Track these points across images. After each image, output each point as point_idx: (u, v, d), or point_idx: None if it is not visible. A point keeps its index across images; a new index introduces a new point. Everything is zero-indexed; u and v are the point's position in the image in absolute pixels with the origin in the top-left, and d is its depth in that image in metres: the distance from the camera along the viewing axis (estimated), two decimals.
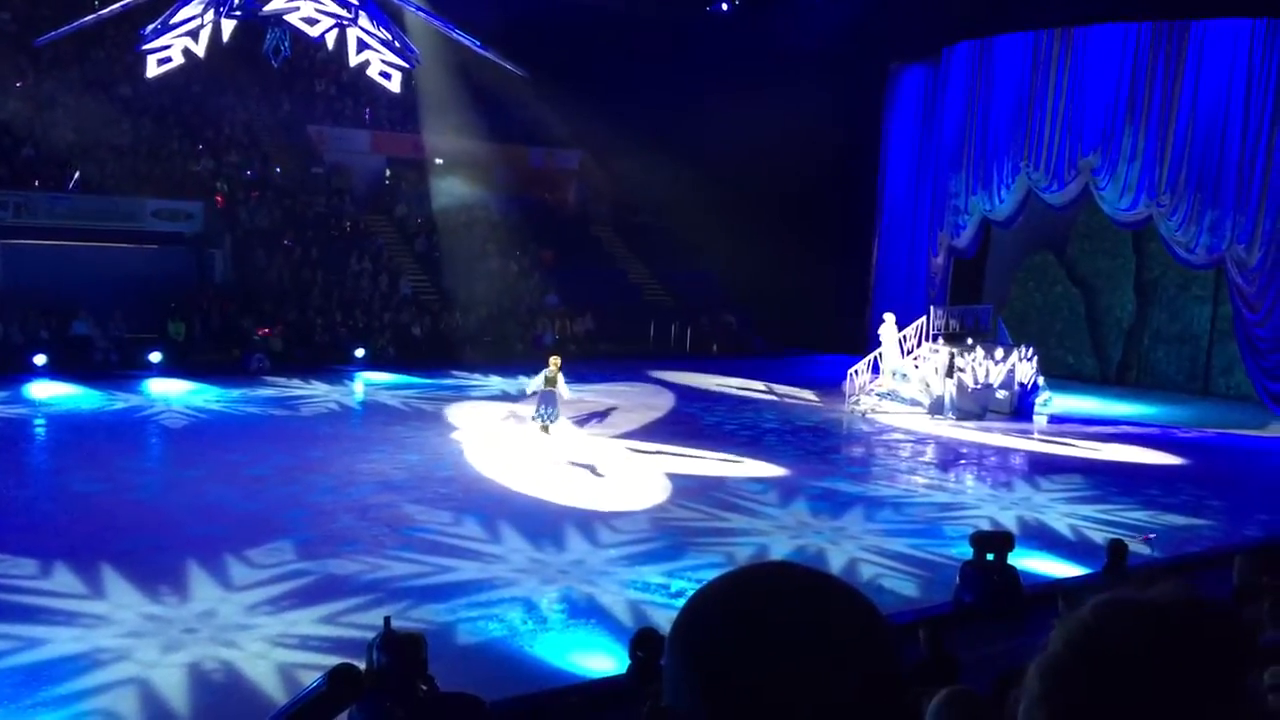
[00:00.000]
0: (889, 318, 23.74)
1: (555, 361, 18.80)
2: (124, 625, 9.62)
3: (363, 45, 22.49)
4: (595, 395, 22.54)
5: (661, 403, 23.14)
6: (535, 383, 18.74)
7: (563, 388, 18.54)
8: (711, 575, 1.23)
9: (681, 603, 1.21)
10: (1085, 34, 24.74)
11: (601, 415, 21.06)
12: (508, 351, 28.71)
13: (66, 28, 23.84)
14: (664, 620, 9.34)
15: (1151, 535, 13.37)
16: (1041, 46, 25.41)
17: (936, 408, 22.44)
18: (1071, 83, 24.89)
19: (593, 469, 16.69)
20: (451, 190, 34.21)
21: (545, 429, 18.58)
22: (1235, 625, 1.09)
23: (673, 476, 16.32)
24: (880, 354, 23.49)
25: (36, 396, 21.44)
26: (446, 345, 28.67)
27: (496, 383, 24.94)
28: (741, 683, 1.07)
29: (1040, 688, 1.10)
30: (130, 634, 9.44)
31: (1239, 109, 22.77)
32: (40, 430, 19.48)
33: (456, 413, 21.22)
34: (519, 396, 23.22)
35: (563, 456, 17.42)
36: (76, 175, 27.30)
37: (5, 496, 14.10)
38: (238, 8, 20.76)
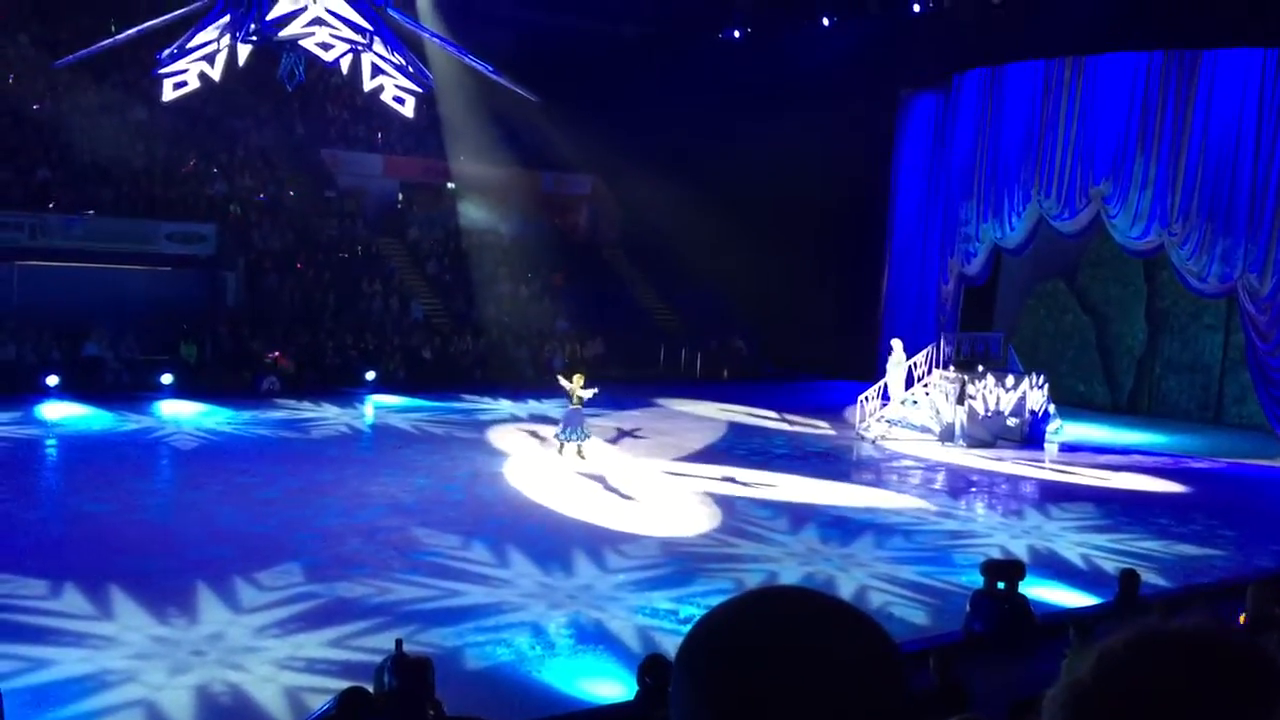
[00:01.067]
0: (896, 345, 23.72)
1: (579, 378, 18.79)
2: (132, 647, 9.62)
3: (376, 70, 22.65)
4: (605, 421, 22.50)
5: (675, 427, 23.09)
6: (581, 393, 18.68)
7: (582, 391, 18.48)
8: (721, 600, 1.23)
9: (688, 628, 1.20)
10: (1096, 63, 24.77)
11: (618, 438, 21.02)
12: (518, 375, 28.74)
13: (84, 51, 24.04)
14: (672, 647, 9.28)
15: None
16: (1053, 75, 25.44)
17: (947, 435, 22.38)
18: (1083, 111, 24.90)
19: (615, 492, 16.66)
20: (463, 214, 34.38)
21: (579, 451, 18.58)
22: (1269, 662, 1.08)
23: (705, 499, 16.30)
24: (888, 380, 23.48)
25: (48, 417, 21.51)
26: (457, 368, 28.71)
27: (506, 406, 24.96)
28: (747, 709, 1.06)
29: (1064, 718, 1.08)
30: (138, 656, 9.43)
31: (1250, 138, 22.75)
32: (51, 451, 19.53)
33: (466, 436, 21.23)
34: (530, 419, 23.24)
35: (578, 480, 17.40)
36: (91, 213, 27.43)
37: (16, 517, 14.12)
38: (254, 33, 20.95)
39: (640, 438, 21.59)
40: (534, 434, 21.53)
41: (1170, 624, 1.11)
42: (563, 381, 18.88)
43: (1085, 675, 1.08)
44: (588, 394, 18.59)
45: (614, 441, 20.88)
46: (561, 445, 18.72)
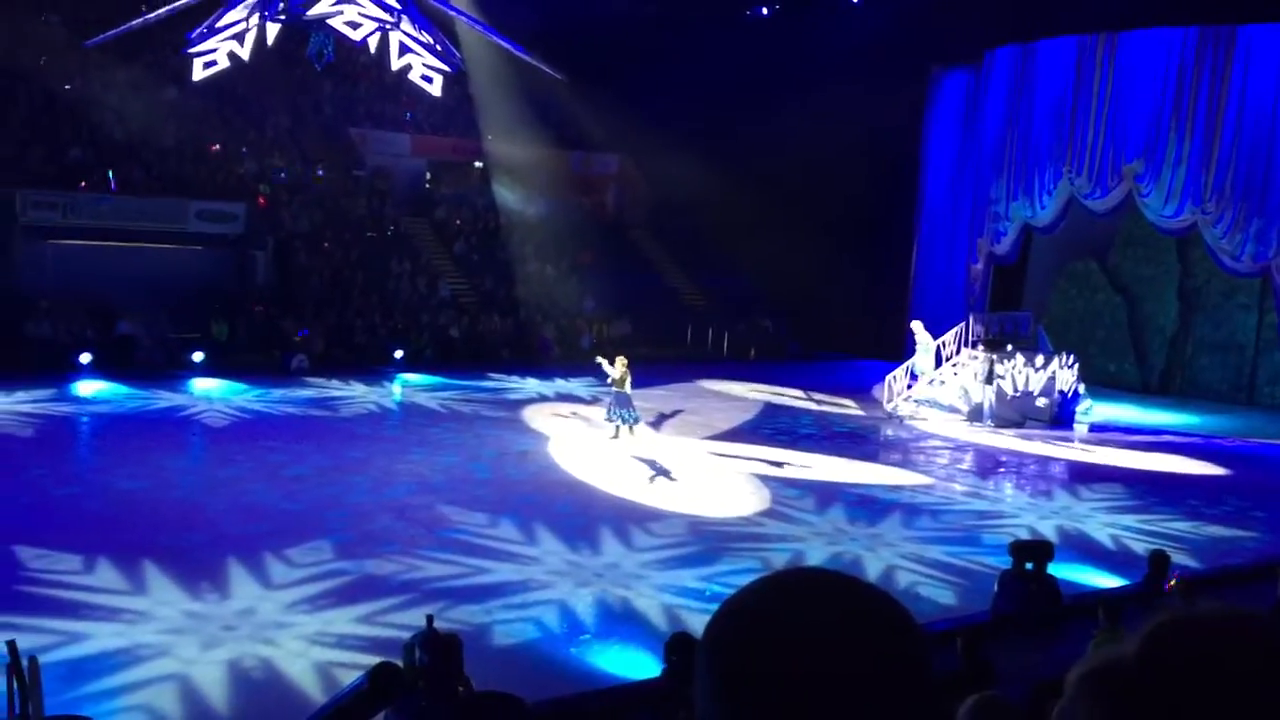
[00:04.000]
0: (917, 326, 23.61)
1: (623, 361, 18.73)
2: (165, 622, 9.74)
3: (404, 49, 22.72)
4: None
5: (702, 406, 23.09)
6: (611, 372, 18.64)
7: (628, 385, 18.57)
8: (745, 580, 1.24)
9: (715, 607, 1.21)
10: (1130, 38, 24.47)
11: (645, 417, 21.01)
12: (544, 355, 28.82)
13: (114, 30, 24.21)
14: (698, 625, 9.32)
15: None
16: (1086, 50, 25.15)
17: (975, 415, 22.28)
18: (1116, 87, 24.62)
19: (642, 470, 16.69)
20: (491, 194, 34.42)
21: (631, 431, 18.63)
22: None
23: (733, 478, 16.33)
24: (915, 361, 23.38)
25: (82, 395, 21.75)
26: (484, 347, 28.80)
27: (533, 385, 25.03)
28: (766, 691, 1.07)
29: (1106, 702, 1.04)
30: (171, 630, 9.55)
31: None
32: (85, 428, 19.75)
33: (493, 415, 21.31)
34: (556, 398, 23.31)
35: (604, 458, 17.44)
36: (110, 174, 27.61)
37: (51, 493, 14.31)
38: (282, 12, 21.03)
39: (667, 417, 21.60)
40: (560, 413, 21.59)
41: (1223, 606, 1.08)
42: (604, 365, 18.79)
43: (1129, 654, 1.04)
44: (627, 388, 18.60)
45: (664, 420, 20.87)
46: (617, 428, 18.70)
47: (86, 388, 22.29)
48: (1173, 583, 8.25)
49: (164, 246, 27.25)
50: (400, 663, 4.75)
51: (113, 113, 28.76)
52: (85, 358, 23.74)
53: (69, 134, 28.53)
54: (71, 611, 9.87)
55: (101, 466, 16.83)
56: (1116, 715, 1.02)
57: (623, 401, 18.64)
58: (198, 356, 24.65)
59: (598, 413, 19.89)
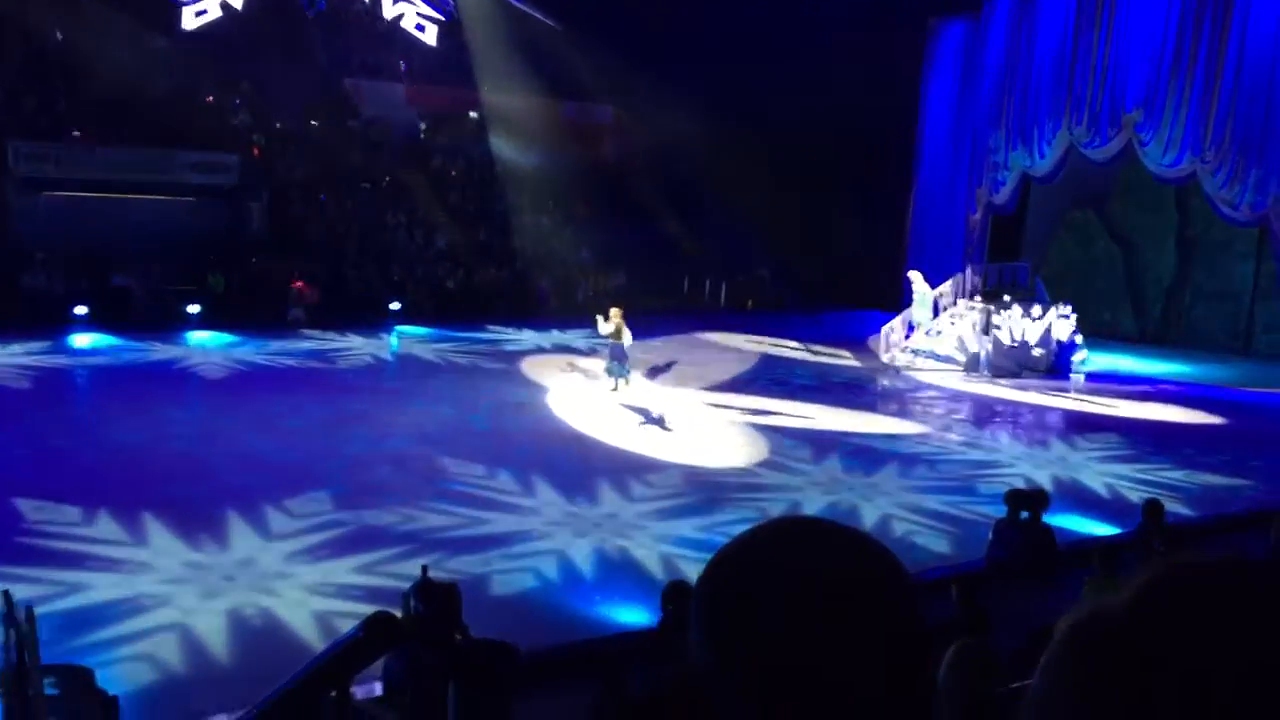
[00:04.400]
0: (916, 277, 23.54)
1: (616, 312, 18.46)
2: (165, 572, 9.80)
3: None
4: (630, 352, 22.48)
5: (700, 357, 23.10)
6: (604, 328, 18.43)
7: (626, 337, 18.41)
8: (743, 530, 1.23)
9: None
10: None
11: (642, 368, 21.02)
12: (541, 306, 28.78)
13: None
14: (695, 574, 9.37)
15: None
16: None
17: (972, 365, 22.30)
18: (1116, 35, 24.37)
19: (640, 422, 16.72)
20: (486, 144, 34.17)
21: (627, 383, 18.56)
22: None
23: (730, 428, 16.37)
24: (912, 312, 23.36)
25: (78, 347, 21.72)
26: (480, 299, 28.75)
27: (530, 337, 25.01)
28: (752, 631, 1.07)
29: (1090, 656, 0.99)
30: (171, 580, 9.61)
31: None
32: (82, 381, 19.75)
33: (490, 366, 21.32)
34: (553, 350, 23.30)
35: (602, 409, 17.46)
36: (114, 144, 27.39)
37: (49, 445, 14.33)
38: None
39: (665, 368, 21.61)
40: (557, 365, 21.59)
41: (1222, 556, 1.02)
42: (600, 324, 18.56)
43: (1119, 605, 0.96)
44: (627, 340, 18.38)
45: (638, 372, 20.88)
46: (616, 382, 18.62)
47: (82, 340, 22.26)
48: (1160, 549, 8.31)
49: (158, 198, 27.09)
50: (398, 611, 4.78)
51: (105, 63, 28.45)
52: (81, 310, 23.68)
53: (61, 84, 28.25)
54: (71, 562, 9.93)
55: (99, 419, 16.83)
56: (1103, 669, 0.96)
57: (617, 355, 18.55)
58: (194, 308, 24.60)
59: (595, 364, 19.90)
